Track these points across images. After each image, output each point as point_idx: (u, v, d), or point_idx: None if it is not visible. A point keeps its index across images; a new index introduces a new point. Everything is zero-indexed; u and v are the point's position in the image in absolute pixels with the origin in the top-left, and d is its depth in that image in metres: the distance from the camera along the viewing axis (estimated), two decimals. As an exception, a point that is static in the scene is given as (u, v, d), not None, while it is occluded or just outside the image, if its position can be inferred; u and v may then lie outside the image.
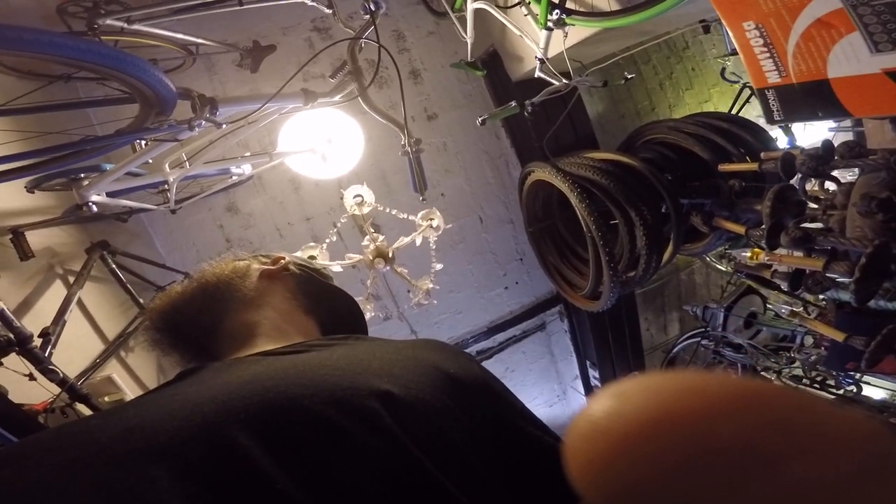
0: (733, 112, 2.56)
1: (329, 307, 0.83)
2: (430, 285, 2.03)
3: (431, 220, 1.96)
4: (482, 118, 1.97)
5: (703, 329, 2.65)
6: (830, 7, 0.79)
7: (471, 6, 2.08)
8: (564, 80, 1.86)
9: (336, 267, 1.88)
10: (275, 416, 0.43)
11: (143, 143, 1.69)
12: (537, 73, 1.96)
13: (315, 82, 2.81)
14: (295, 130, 2.00)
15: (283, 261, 0.83)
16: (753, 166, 1.51)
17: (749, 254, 1.53)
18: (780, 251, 1.34)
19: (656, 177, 2.10)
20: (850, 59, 0.80)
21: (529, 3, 1.87)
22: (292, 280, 0.81)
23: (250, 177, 2.58)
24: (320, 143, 2.00)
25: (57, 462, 0.40)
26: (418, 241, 1.97)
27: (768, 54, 0.94)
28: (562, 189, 2.13)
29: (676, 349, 3.14)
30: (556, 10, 1.65)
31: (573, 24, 1.70)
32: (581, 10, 1.68)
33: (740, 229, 1.65)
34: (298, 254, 1.85)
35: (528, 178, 2.53)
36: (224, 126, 1.60)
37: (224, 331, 0.71)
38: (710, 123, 2.24)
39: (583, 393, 3.80)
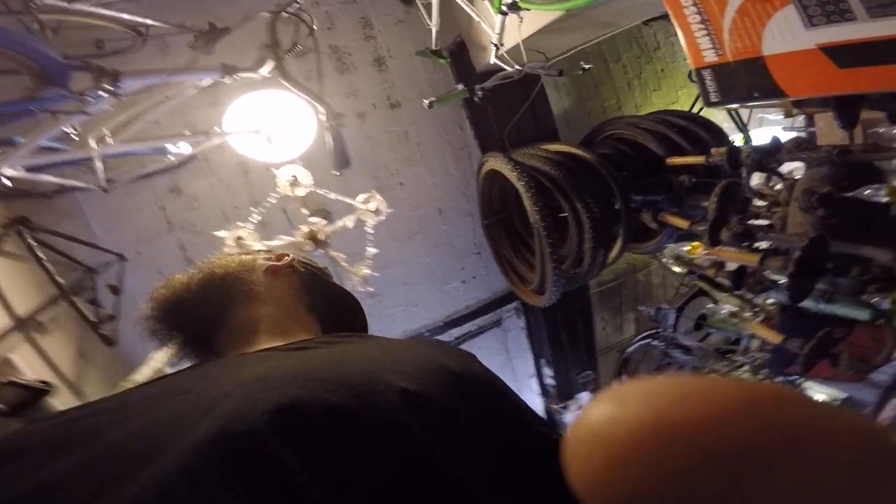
0: (693, 111, 2.52)
1: (331, 305, 0.82)
2: (367, 271, 1.93)
3: (370, 203, 1.87)
4: (429, 101, 1.87)
5: (655, 330, 2.62)
6: None
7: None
8: (517, 67, 1.78)
9: (258, 246, 1.76)
10: (298, 411, 0.42)
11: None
12: (492, 59, 1.88)
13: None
14: (241, 111, 1.89)
15: (287, 258, 0.83)
16: (701, 159, 1.45)
17: (688, 248, 1.48)
18: (720, 246, 1.28)
19: (608, 171, 2.04)
20: (784, 34, 0.72)
21: None
22: (296, 277, 0.81)
23: (192, 157, 2.49)
24: (266, 125, 1.89)
25: (66, 460, 0.40)
26: (351, 224, 1.87)
27: (705, 31, 0.86)
28: (510, 178, 2.05)
29: (630, 349, 3.11)
30: None
31: (527, 9, 1.62)
32: None
33: (684, 223, 1.59)
34: (224, 233, 1.78)
35: (482, 168, 2.46)
36: (134, 99, 1.49)
37: (228, 324, 0.71)
38: (668, 120, 2.19)
39: (538, 392, 3.75)
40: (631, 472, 0.26)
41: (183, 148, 2.08)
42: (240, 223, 1.82)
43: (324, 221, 1.88)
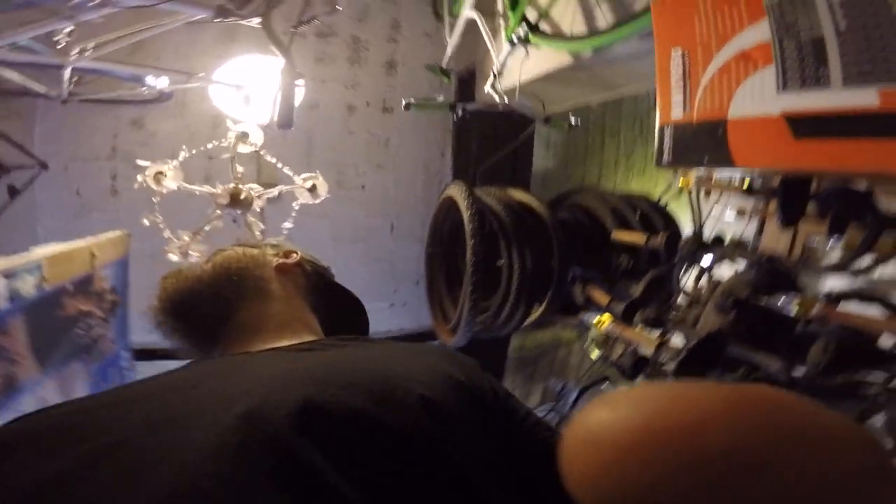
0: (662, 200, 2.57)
1: (333, 306, 0.82)
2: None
3: (308, 182, 1.77)
4: (407, 101, 1.82)
5: (553, 404, 2.56)
6: (761, 38, 0.67)
7: (465, 14, 1.99)
8: (506, 100, 1.76)
9: (172, 185, 1.65)
10: (321, 413, 0.42)
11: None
12: (487, 88, 1.86)
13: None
14: (235, 66, 1.90)
15: (296, 255, 0.82)
16: (642, 238, 1.43)
17: (597, 319, 1.46)
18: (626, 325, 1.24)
19: (557, 233, 2.02)
20: (755, 96, 0.69)
21: (509, 14, 1.78)
22: (303, 276, 0.81)
23: (168, 96, 2.48)
24: (251, 86, 1.86)
25: (74, 452, 0.39)
26: (275, 193, 1.80)
27: (682, 86, 0.83)
28: (460, 206, 1.99)
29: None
30: (525, 25, 1.57)
31: (537, 44, 1.62)
32: (549, 28, 1.60)
33: (605, 299, 1.57)
34: (146, 163, 1.68)
35: (441, 194, 2.41)
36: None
37: (236, 320, 0.70)
38: (633, 203, 2.21)
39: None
40: (623, 474, 0.26)
41: (161, 83, 2.04)
42: (168, 160, 1.72)
43: (257, 187, 1.78)
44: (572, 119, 1.87)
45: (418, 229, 3.17)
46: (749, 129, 0.70)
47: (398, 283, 3.21)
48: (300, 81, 1.63)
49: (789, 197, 0.83)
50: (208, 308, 0.71)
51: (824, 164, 0.59)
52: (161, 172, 1.64)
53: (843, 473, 0.24)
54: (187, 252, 1.67)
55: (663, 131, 0.88)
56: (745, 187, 1.06)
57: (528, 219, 2.06)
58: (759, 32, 0.66)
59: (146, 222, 1.65)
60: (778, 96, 0.65)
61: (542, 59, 1.82)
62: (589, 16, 1.56)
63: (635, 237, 1.51)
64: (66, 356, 1.56)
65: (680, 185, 1.26)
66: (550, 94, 2.00)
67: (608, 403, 0.29)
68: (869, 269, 0.91)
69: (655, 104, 0.88)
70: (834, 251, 1.00)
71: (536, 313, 2.13)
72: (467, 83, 2.82)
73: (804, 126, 0.62)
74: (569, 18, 1.59)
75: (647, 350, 1.20)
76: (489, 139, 2.75)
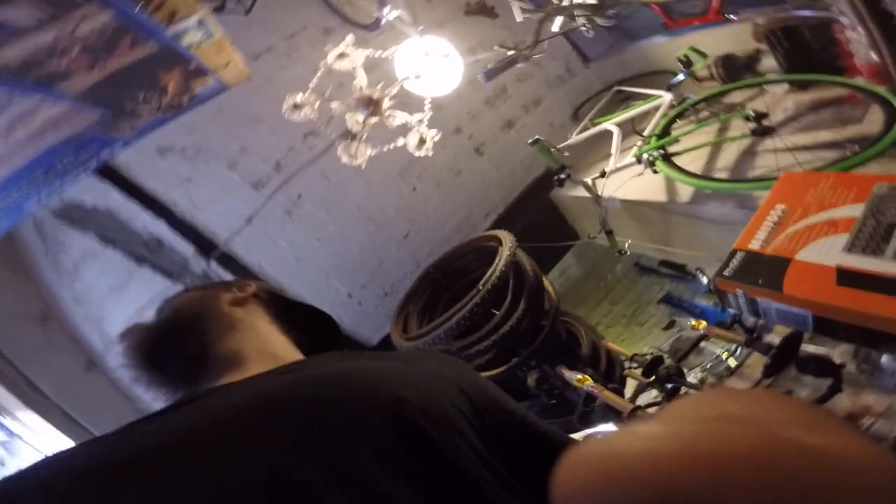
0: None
1: (305, 326, 0.88)
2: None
3: (428, 132, 1.97)
4: (537, 138, 2.12)
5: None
6: (852, 214, 0.98)
7: (605, 126, 2.37)
8: (598, 194, 2.08)
9: (359, 60, 1.82)
10: (318, 426, 0.49)
11: None
12: (589, 178, 2.18)
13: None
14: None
15: (250, 288, 0.88)
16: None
17: (579, 377, 1.66)
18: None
19: (553, 323, 2.27)
20: (823, 250, 0.97)
21: (653, 138, 2.13)
22: (262, 304, 0.86)
23: (377, 27, 2.70)
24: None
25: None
26: (401, 117, 1.96)
27: (769, 229, 1.13)
28: (503, 248, 2.22)
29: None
30: (660, 151, 1.93)
31: (659, 170, 1.95)
32: (678, 164, 1.93)
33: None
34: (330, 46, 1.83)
35: (486, 233, 2.64)
36: None
37: (213, 357, 0.73)
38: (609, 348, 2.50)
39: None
40: None
41: (391, 15, 2.28)
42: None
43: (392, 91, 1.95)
44: (626, 246, 2.19)
45: (422, 254, 3.32)
46: (806, 270, 0.98)
47: (372, 282, 3.26)
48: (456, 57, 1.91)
49: (783, 351, 1.09)
50: (181, 350, 0.74)
51: (851, 305, 0.85)
52: (344, 53, 1.81)
53: None
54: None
55: (734, 254, 1.16)
56: (743, 342, 1.32)
57: (537, 298, 2.30)
58: (853, 210, 0.97)
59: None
60: (840, 254, 0.94)
61: (642, 185, 2.14)
62: (715, 165, 1.89)
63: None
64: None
65: (693, 325, 1.51)
66: (631, 223, 2.33)
67: (628, 438, 0.28)
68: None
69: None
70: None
71: (495, 371, 2.30)
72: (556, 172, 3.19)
73: (848, 277, 0.89)
74: (697, 163, 1.95)
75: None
76: (543, 215, 3.03)
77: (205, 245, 2.80)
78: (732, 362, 2.97)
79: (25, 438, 2.17)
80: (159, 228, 2.72)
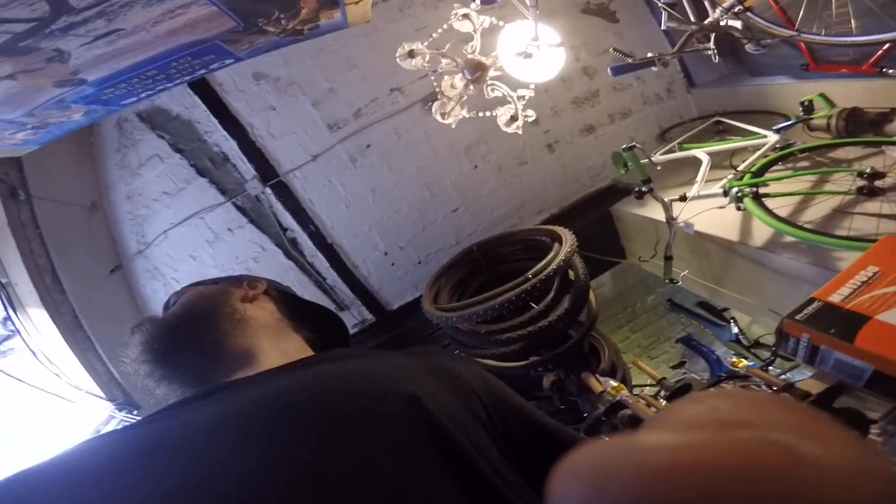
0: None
1: (314, 324, 0.92)
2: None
3: (523, 112, 2.04)
4: (633, 144, 2.18)
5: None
6: None
7: (694, 153, 2.42)
8: (673, 216, 2.15)
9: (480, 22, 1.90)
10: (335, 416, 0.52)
11: None
12: (668, 197, 2.24)
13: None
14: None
15: (260, 285, 0.92)
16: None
17: (614, 384, 1.77)
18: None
19: (584, 335, 2.36)
20: (905, 316, 1.05)
21: (747, 175, 2.18)
22: (272, 302, 0.90)
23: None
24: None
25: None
26: (493, 94, 2.02)
27: (855, 286, 1.20)
28: (563, 244, 2.30)
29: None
30: (752, 189, 1.98)
31: (745, 208, 2.01)
32: (768, 205, 1.99)
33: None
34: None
35: (543, 226, 2.72)
36: None
37: (226, 353, 0.76)
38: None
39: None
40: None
41: None
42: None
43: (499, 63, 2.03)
44: (680, 277, 2.26)
45: (465, 232, 3.44)
46: (882, 329, 1.06)
47: (410, 245, 3.37)
48: (561, 49, 1.98)
49: (821, 399, 1.18)
50: (195, 344, 0.76)
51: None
52: (468, 15, 1.91)
53: None
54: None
55: (811, 302, 1.24)
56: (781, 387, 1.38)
57: (582, 304, 2.39)
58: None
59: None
60: (922, 323, 1.02)
61: (717, 220, 2.20)
62: (805, 216, 1.92)
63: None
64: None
65: (733, 363, 1.59)
66: (676, 247, 2.39)
67: (627, 445, 0.27)
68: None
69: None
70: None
71: (509, 364, 2.40)
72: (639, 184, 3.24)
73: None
74: (787, 210, 1.99)
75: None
76: (592, 230, 3.13)
77: (267, 171, 2.95)
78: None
79: (25, 338, 2.20)
80: (229, 146, 2.87)
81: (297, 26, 1.76)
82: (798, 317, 1.22)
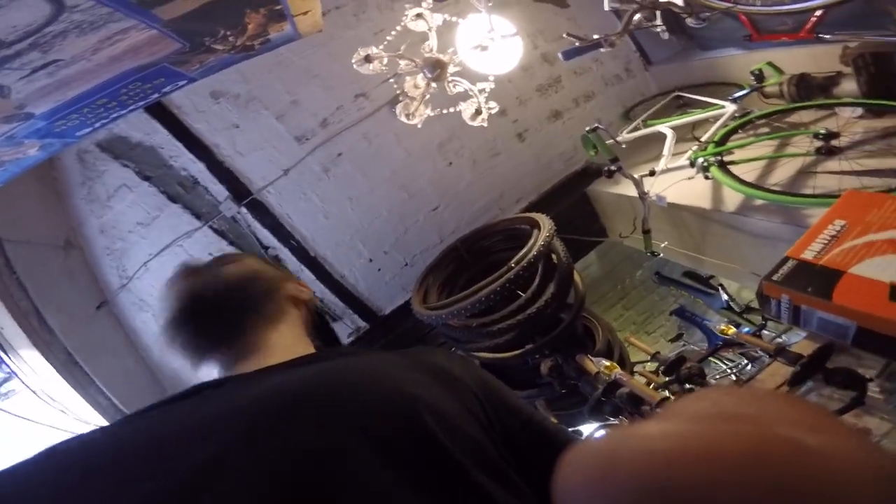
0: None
1: (323, 342, 0.93)
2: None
3: (485, 104, 2.04)
4: (597, 126, 2.17)
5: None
6: None
7: (658, 128, 2.41)
8: (645, 191, 2.14)
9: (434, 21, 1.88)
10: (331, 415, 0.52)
11: None
12: (636, 174, 2.24)
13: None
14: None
15: (308, 290, 0.92)
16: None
17: (607, 364, 1.75)
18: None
19: (575, 313, 2.35)
20: (879, 266, 1.04)
21: (710, 144, 2.18)
22: (307, 312, 0.90)
23: None
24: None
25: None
26: (463, 87, 2.01)
27: (826, 241, 1.19)
28: (541, 231, 2.28)
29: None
30: (717, 157, 1.99)
31: (712, 176, 2.01)
32: (734, 171, 2.00)
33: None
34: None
35: (522, 215, 2.70)
36: None
37: (248, 337, 0.75)
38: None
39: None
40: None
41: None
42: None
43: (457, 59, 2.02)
44: (661, 248, 2.25)
45: (447, 229, 3.39)
46: (859, 283, 1.04)
47: (394, 249, 3.32)
48: (517, 39, 1.95)
49: (814, 361, 1.16)
50: (234, 311, 0.76)
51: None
52: (421, 14, 1.90)
53: None
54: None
55: (786, 261, 1.22)
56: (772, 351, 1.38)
57: (567, 286, 2.38)
58: (914, 231, 1.04)
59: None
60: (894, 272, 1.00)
61: (688, 191, 2.21)
62: (771, 179, 1.94)
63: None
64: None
65: (722, 330, 1.59)
66: (672, 227, 2.38)
67: (626, 436, 0.27)
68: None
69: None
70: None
71: (505, 354, 2.38)
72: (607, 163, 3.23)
73: (902, 294, 0.96)
74: (753, 175, 2.00)
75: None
76: (583, 210, 3.09)
77: (239, 190, 2.89)
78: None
79: (23, 379, 2.18)
80: (197, 169, 2.81)
81: (247, 42, 1.72)
82: (775, 277, 1.21)
